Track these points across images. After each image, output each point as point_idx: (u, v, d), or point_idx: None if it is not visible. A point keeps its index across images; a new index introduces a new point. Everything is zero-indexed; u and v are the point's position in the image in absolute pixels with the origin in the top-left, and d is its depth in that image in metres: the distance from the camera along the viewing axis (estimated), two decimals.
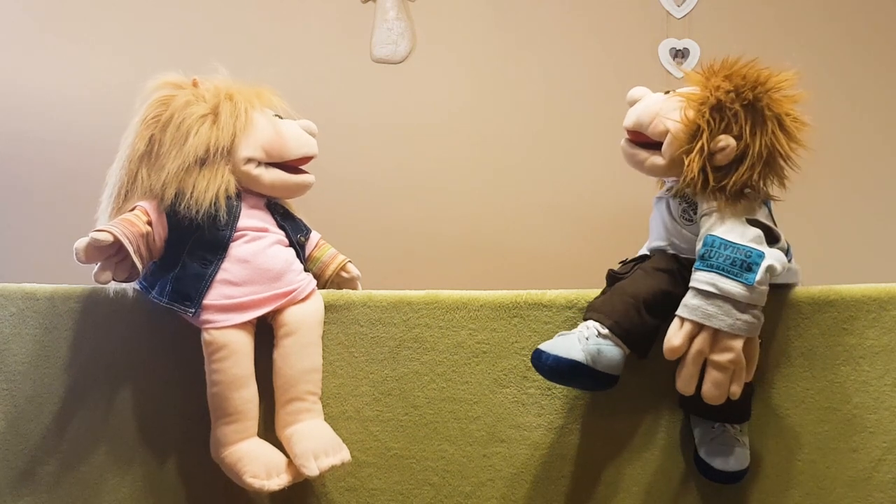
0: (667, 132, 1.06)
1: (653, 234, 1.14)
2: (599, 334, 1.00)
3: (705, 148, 1.02)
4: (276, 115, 1.18)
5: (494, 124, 1.79)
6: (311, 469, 1.02)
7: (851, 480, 1.08)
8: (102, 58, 1.78)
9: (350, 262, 1.26)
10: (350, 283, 1.27)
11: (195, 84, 1.14)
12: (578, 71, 1.78)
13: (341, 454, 1.06)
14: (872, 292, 1.09)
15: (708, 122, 1.02)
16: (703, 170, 1.02)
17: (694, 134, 1.03)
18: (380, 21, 1.80)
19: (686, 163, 1.03)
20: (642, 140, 1.11)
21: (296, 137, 1.17)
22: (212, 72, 1.17)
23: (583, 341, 0.99)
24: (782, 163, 1.04)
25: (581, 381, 1.01)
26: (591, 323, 1.01)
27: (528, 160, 1.78)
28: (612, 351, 1.00)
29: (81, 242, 1.03)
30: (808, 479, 1.08)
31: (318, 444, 1.05)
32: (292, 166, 1.18)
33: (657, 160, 1.09)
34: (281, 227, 1.17)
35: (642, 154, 1.11)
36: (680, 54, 1.76)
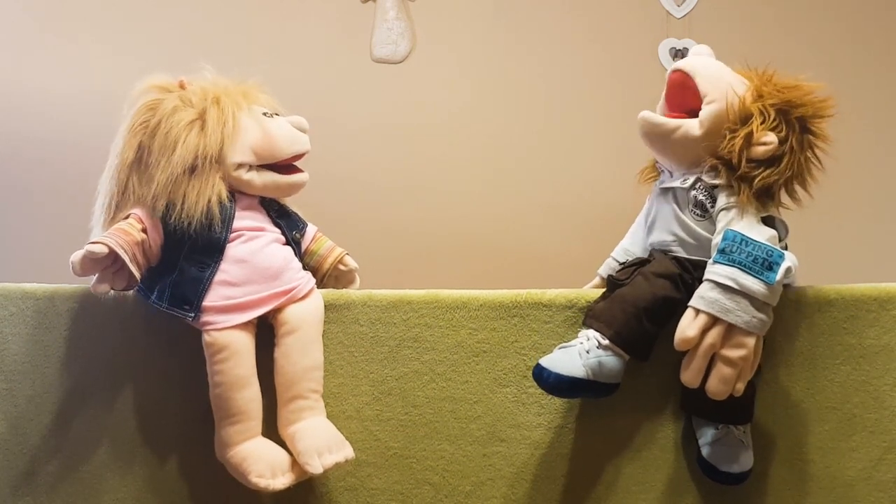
0: (716, 95, 1.05)
1: (655, 228, 1.12)
2: (600, 345, 1.00)
3: (753, 135, 1.02)
4: (265, 113, 1.17)
5: (494, 124, 1.79)
6: (315, 466, 1.02)
7: (851, 480, 1.08)
8: (102, 58, 1.78)
9: (347, 254, 1.26)
10: (348, 276, 1.27)
11: (182, 86, 1.13)
12: (578, 71, 1.78)
13: (345, 451, 1.06)
14: (872, 292, 1.09)
15: (763, 113, 1.03)
16: (739, 152, 1.01)
17: (743, 118, 1.03)
18: (380, 21, 1.80)
19: (728, 138, 1.02)
20: (678, 100, 1.08)
21: (285, 136, 1.16)
22: (200, 71, 1.17)
23: (583, 355, 0.99)
24: (804, 181, 1.06)
25: (583, 393, 1.02)
26: (591, 333, 1.01)
27: (528, 160, 1.78)
28: (612, 362, 1.00)
29: (77, 256, 1.04)
30: (808, 478, 1.08)
31: (321, 441, 1.05)
32: (284, 165, 1.17)
33: (691, 129, 1.05)
34: (277, 224, 1.17)
35: (671, 124, 1.07)
36: (680, 54, 1.76)
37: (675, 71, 1.10)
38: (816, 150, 1.06)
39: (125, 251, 1.05)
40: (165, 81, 1.13)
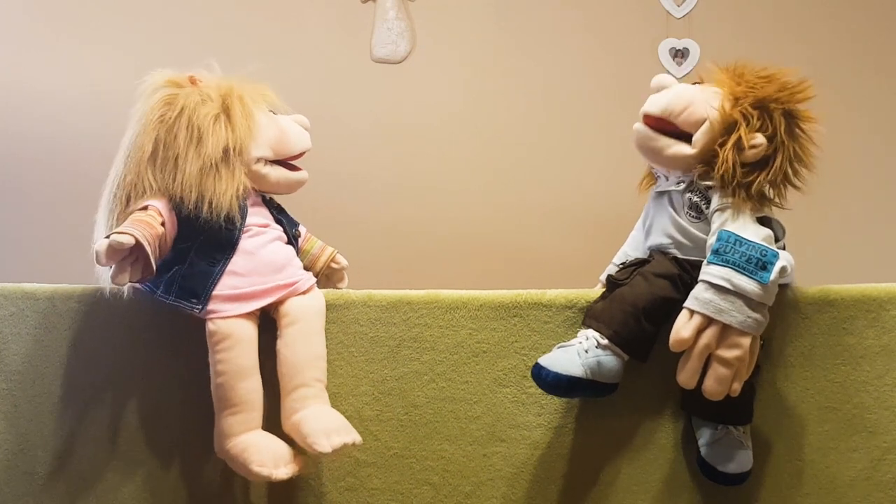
0: (700, 122, 1.05)
1: (652, 231, 1.12)
2: (599, 345, 1.00)
3: (743, 142, 1.02)
4: (271, 111, 1.19)
5: (494, 124, 1.79)
6: (324, 446, 1.00)
7: (851, 480, 1.08)
8: (102, 58, 1.78)
9: (338, 252, 1.27)
10: (338, 274, 1.29)
11: (193, 81, 1.13)
12: (578, 71, 1.78)
13: (352, 434, 1.04)
14: (872, 292, 1.09)
15: (746, 117, 1.03)
16: (734, 164, 1.02)
17: (729, 127, 1.03)
18: (380, 21, 1.80)
19: (721, 155, 1.02)
20: (666, 128, 1.08)
21: (296, 133, 1.19)
22: (205, 68, 1.17)
23: (582, 355, 0.99)
24: (800, 171, 1.06)
25: (581, 393, 1.02)
26: (590, 333, 1.01)
27: (527, 160, 1.78)
28: (611, 361, 1.00)
29: (102, 245, 1.01)
30: (808, 479, 1.08)
31: (328, 424, 1.03)
32: (289, 162, 1.19)
33: (684, 149, 1.06)
34: (278, 221, 1.18)
35: (664, 141, 1.08)
36: (680, 54, 1.76)
37: (652, 118, 1.09)
38: (807, 132, 1.06)
39: (149, 243, 1.04)
40: (177, 76, 1.14)
